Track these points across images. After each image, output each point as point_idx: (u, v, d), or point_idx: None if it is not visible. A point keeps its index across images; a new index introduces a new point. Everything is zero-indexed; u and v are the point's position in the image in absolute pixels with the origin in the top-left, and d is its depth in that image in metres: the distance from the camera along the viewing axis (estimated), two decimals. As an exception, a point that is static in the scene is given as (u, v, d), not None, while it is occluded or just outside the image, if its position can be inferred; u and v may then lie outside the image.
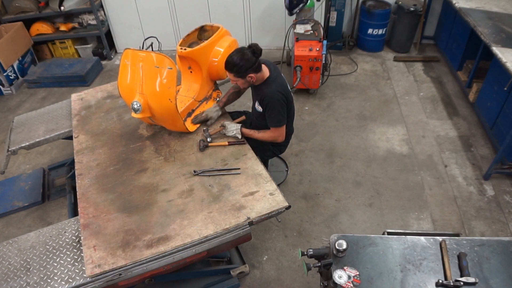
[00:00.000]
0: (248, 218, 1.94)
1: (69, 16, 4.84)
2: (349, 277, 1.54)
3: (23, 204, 3.06)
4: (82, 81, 4.51)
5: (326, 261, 1.61)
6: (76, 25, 4.82)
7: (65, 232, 2.12)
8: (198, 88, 2.69)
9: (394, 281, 1.57)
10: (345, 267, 1.58)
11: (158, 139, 2.52)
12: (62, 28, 4.73)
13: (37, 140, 2.76)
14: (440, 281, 1.54)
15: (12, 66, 4.46)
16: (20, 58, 4.56)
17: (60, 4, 4.51)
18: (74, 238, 2.08)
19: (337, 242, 1.63)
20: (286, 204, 2.00)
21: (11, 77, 4.47)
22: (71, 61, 4.79)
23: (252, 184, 2.13)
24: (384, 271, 1.60)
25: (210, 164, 2.29)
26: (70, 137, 2.73)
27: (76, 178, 2.29)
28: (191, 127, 2.53)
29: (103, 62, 4.97)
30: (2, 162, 2.75)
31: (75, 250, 2.01)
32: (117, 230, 1.94)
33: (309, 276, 2.38)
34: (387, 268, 1.61)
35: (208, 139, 2.38)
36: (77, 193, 2.18)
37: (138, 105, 2.20)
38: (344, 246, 1.61)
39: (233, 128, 2.42)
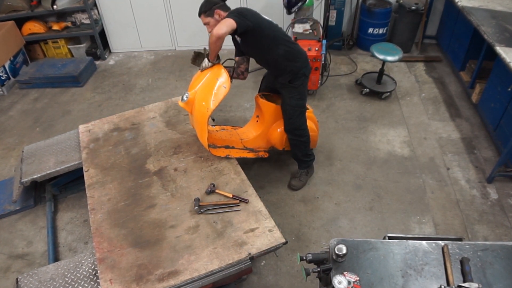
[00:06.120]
0: (249, 254, 2.11)
1: (62, 15, 4.77)
2: (349, 282, 1.50)
3: (15, 208, 3.00)
4: (75, 81, 4.45)
5: (325, 266, 1.59)
6: (69, 24, 4.76)
7: (81, 265, 2.28)
8: (253, 136, 2.96)
9: (395, 286, 1.54)
10: (345, 272, 1.55)
11: (164, 174, 2.66)
12: (55, 27, 4.67)
13: (48, 172, 2.88)
14: (442, 286, 1.51)
15: (4, 67, 4.40)
16: (12, 58, 4.48)
17: (53, 3, 4.45)
18: (91, 271, 2.24)
19: (336, 247, 1.60)
20: (283, 240, 2.18)
21: (2, 78, 4.40)
22: (64, 61, 4.71)
23: (252, 220, 2.30)
24: (385, 277, 1.58)
25: (214, 200, 2.46)
26: (79, 169, 2.85)
27: (89, 212, 2.42)
28: (212, 150, 2.73)
29: (97, 62, 4.90)
30: (14, 191, 2.92)
31: (92, 283, 2.17)
32: (131, 265, 2.10)
33: (308, 282, 2.32)
34: (388, 274, 1.59)
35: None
36: (91, 228, 2.32)
37: (187, 96, 2.56)
38: (344, 251, 1.59)
39: (205, 62, 2.60)
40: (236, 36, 2.57)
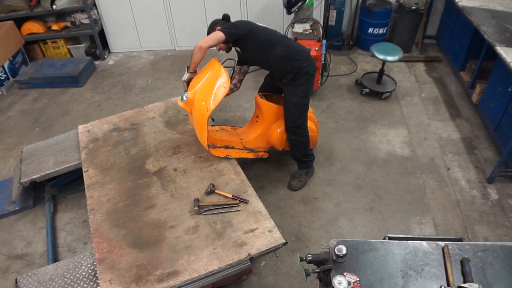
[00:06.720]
0: (249, 254, 2.10)
1: (61, 15, 4.77)
2: (349, 283, 1.50)
3: (14, 208, 2.99)
4: (75, 81, 4.44)
5: (325, 267, 1.58)
6: (68, 24, 4.75)
7: (81, 265, 2.27)
8: (253, 136, 2.95)
9: (395, 287, 1.54)
10: (344, 273, 1.55)
11: (164, 174, 2.66)
12: (54, 27, 4.66)
13: (47, 172, 2.87)
14: (443, 287, 1.52)
15: (3, 67, 4.38)
16: (11, 58, 4.47)
17: (52, 3, 4.44)
18: (90, 271, 2.23)
19: (336, 247, 1.60)
20: (283, 240, 2.17)
21: (1, 78, 4.39)
22: (63, 61, 4.70)
23: (252, 221, 2.30)
24: (385, 277, 1.58)
25: (214, 201, 2.45)
26: (79, 170, 2.85)
27: (88, 213, 2.42)
28: (212, 151, 2.71)
29: (96, 62, 4.89)
30: (13, 192, 2.91)
31: (92, 283, 2.16)
32: (130, 265, 2.09)
33: (308, 282, 2.31)
34: (388, 274, 1.59)
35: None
36: (91, 228, 2.32)
37: (187, 96, 2.56)
38: (344, 251, 1.59)
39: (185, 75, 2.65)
40: (235, 48, 2.66)
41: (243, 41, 2.54)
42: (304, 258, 1.66)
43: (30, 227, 2.89)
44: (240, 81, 2.84)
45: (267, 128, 2.93)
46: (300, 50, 2.64)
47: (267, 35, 2.60)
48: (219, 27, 2.55)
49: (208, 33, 2.59)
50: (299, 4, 3.85)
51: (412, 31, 4.58)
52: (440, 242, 1.69)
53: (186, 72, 2.64)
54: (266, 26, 2.64)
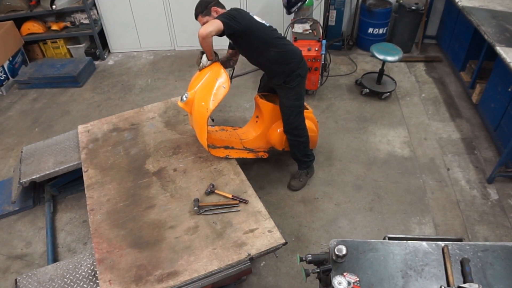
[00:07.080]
0: (249, 254, 2.10)
1: (61, 15, 4.77)
2: (349, 283, 1.50)
3: (14, 208, 2.99)
4: (75, 82, 4.44)
5: (325, 267, 1.59)
6: (68, 24, 4.75)
7: (81, 266, 2.27)
8: (253, 136, 2.96)
9: (395, 287, 1.55)
10: (344, 273, 1.55)
11: (164, 175, 2.65)
12: (54, 27, 4.66)
13: (47, 172, 2.87)
14: (443, 287, 1.52)
15: (3, 67, 4.38)
16: (11, 58, 4.47)
17: (52, 3, 4.44)
18: (90, 271, 2.22)
19: (336, 247, 1.61)
20: (283, 241, 2.17)
21: (1, 78, 4.39)
22: (63, 61, 4.70)
23: (252, 221, 2.30)
24: (385, 277, 1.58)
25: (213, 201, 2.45)
26: (78, 170, 2.85)
27: (88, 213, 2.42)
28: (212, 151, 2.71)
29: (96, 63, 4.89)
30: (13, 192, 2.91)
31: (92, 284, 2.16)
32: (130, 265, 2.09)
33: (308, 283, 2.30)
34: (388, 274, 1.59)
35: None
36: (91, 229, 2.32)
37: (186, 96, 2.55)
38: (344, 252, 1.59)
39: (204, 60, 2.56)
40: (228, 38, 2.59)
41: (237, 37, 2.43)
42: (304, 258, 1.66)
43: (30, 227, 2.89)
44: (236, 61, 2.86)
45: (267, 128, 2.93)
46: (293, 52, 2.59)
47: (263, 34, 2.49)
48: (217, 8, 2.46)
49: (200, 12, 2.51)
50: (299, 4, 3.84)
51: (412, 31, 4.58)
52: (440, 242, 1.69)
53: (205, 59, 2.53)
54: (263, 22, 2.56)
